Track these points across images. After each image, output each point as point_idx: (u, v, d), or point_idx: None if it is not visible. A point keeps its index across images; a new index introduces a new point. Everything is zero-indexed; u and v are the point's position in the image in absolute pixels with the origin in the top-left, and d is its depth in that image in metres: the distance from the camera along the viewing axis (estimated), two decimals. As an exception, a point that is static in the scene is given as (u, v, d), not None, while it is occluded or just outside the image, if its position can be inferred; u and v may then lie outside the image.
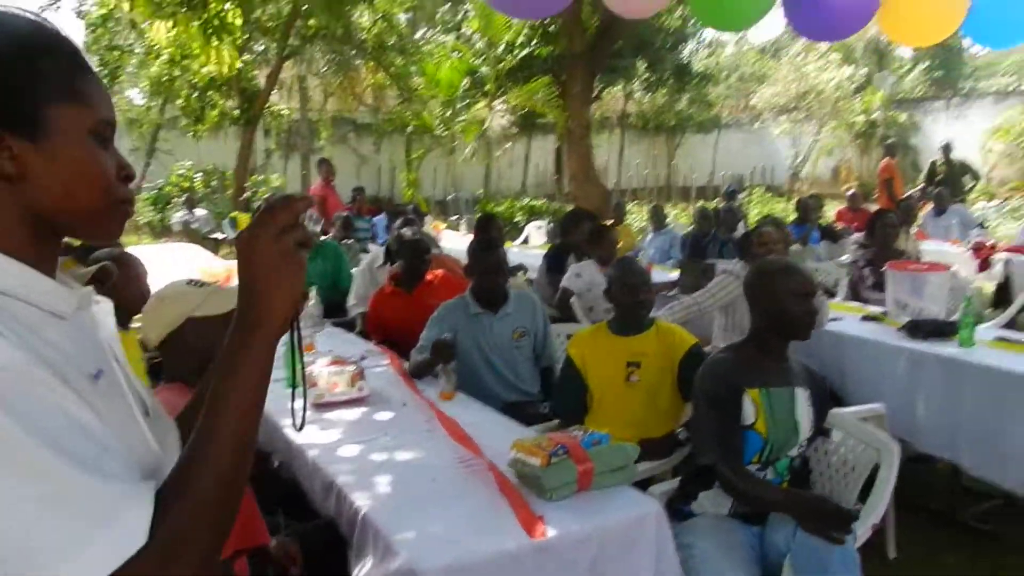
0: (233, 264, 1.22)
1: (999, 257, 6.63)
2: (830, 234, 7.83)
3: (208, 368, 1.05)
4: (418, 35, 17.56)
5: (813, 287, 2.46)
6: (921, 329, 3.67)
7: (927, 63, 22.70)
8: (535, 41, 13.50)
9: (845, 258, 7.12)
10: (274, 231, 0.85)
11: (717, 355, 2.53)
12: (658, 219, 7.55)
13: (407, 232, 4.31)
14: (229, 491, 0.83)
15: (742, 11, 3.38)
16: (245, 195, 13.61)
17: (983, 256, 6.70)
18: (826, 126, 21.21)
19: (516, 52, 13.96)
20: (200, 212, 11.65)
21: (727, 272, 4.02)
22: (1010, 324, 4.74)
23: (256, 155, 16.06)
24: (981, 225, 8.16)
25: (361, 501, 2.08)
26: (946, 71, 22.68)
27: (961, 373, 3.42)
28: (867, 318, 4.11)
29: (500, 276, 3.40)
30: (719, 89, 22.76)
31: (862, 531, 2.32)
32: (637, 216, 12.70)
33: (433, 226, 9.31)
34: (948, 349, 3.53)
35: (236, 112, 13.94)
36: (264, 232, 0.85)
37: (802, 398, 2.42)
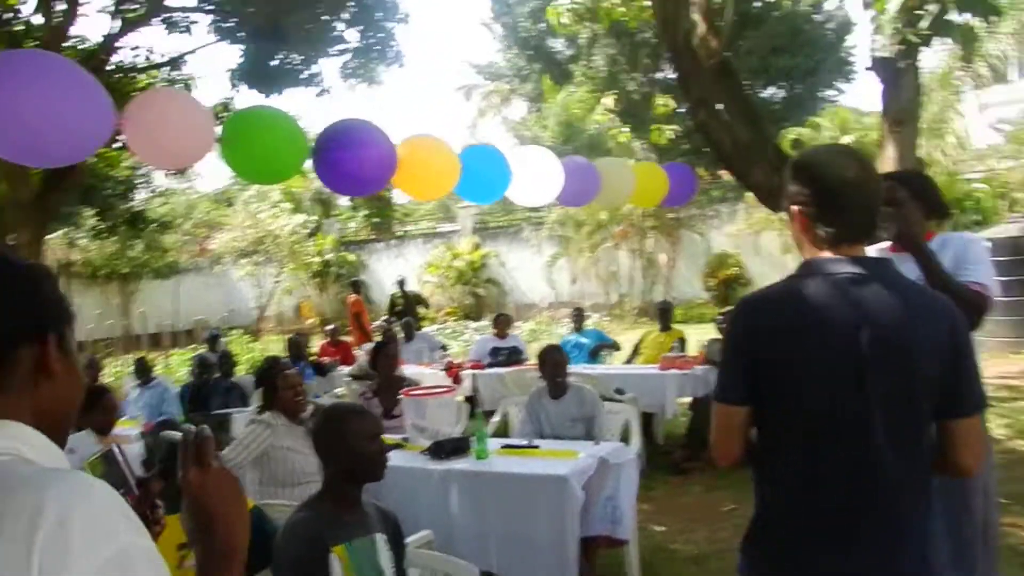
0: None
1: (466, 373, 7.61)
2: (320, 369, 8.10)
3: None
4: None
5: (381, 427, 2.50)
6: (443, 449, 3.97)
7: (365, 211, 25.48)
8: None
9: (339, 391, 7.41)
10: (216, 464, 0.98)
11: (295, 516, 2.38)
12: (143, 372, 6.90)
13: None
14: None
15: (277, 169, 3.42)
16: None
17: (454, 373, 7.59)
18: (285, 267, 22.14)
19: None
20: None
21: (256, 421, 3.83)
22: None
23: None
24: (443, 347, 9.26)
25: None
26: (381, 217, 25.71)
27: (483, 484, 3.77)
28: (390, 447, 4.28)
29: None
30: (175, 235, 22.23)
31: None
32: (108, 370, 11.46)
33: None
34: (467, 464, 3.88)
35: None
36: (211, 467, 0.99)
37: (381, 543, 2.39)
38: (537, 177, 4.55)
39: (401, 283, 12.28)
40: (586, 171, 4.96)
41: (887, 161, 5.39)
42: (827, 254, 1.76)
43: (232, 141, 3.37)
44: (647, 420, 6.78)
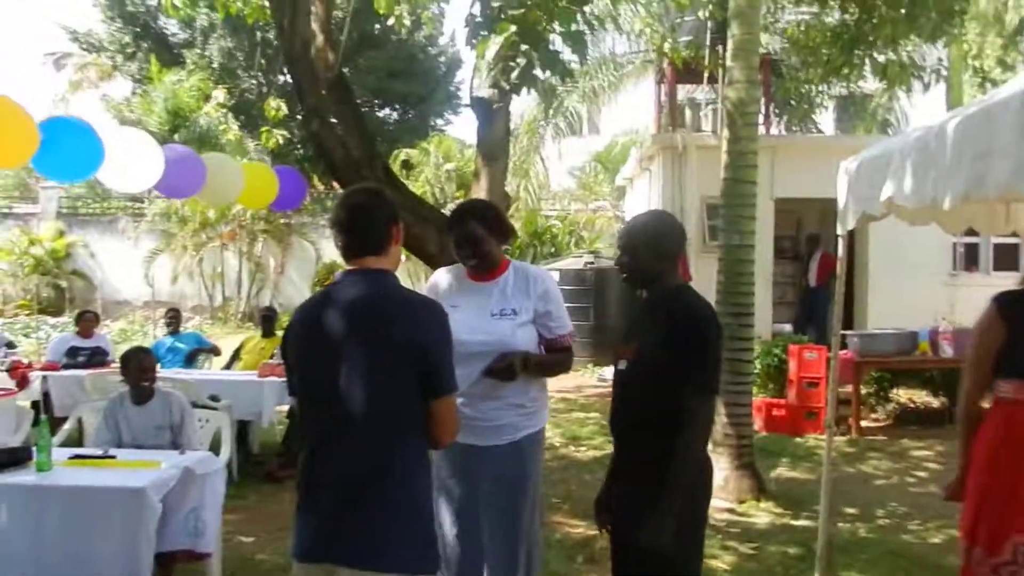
0: None
1: (36, 374, 6.71)
2: None
3: None
4: None
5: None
6: (-4, 461, 3.47)
7: None
8: None
9: None
10: None
11: None
12: None
13: None
14: None
15: None
16: None
17: (19, 375, 6.64)
18: None
19: None
20: None
21: None
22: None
23: None
24: (10, 345, 8.04)
25: None
26: (-66, 190, 21.53)
27: (44, 499, 3.39)
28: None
29: None
30: None
31: None
32: None
33: None
34: (26, 477, 3.44)
35: None
36: None
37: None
38: (133, 160, 4.17)
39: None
40: (190, 162, 4.68)
41: (480, 190, 5.97)
42: (346, 266, 2.23)
43: None
44: (243, 428, 6.60)
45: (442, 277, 3.11)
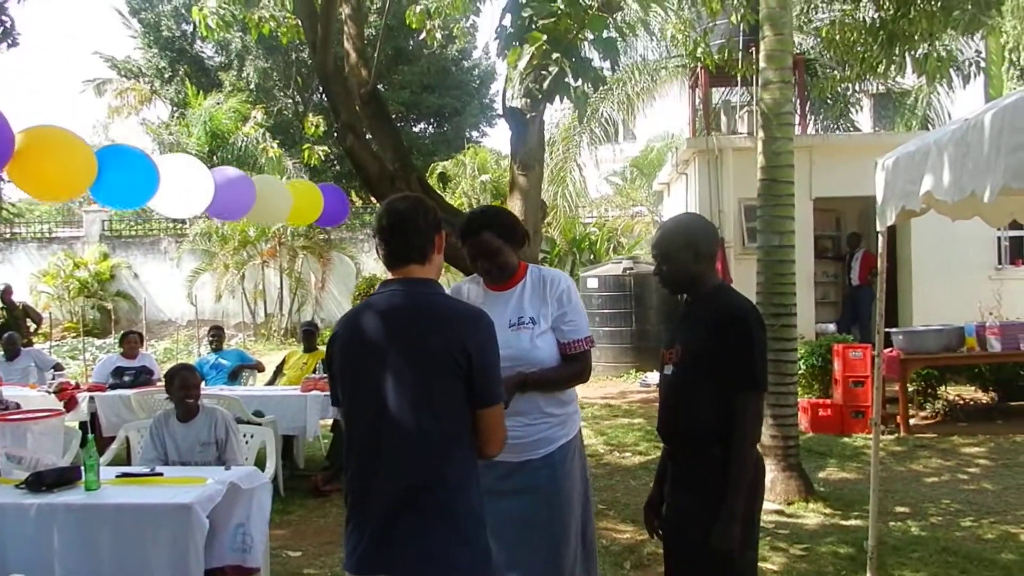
0: None
1: (83, 395, 6.84)
2: None
3: None
4: None
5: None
6: (44, 481, 3.52)
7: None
8: None
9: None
10: None
11: None
12: None
13: None
14: None
15: None
16: None
17: (67, 395, 6.77)
18: None
19: None
20: None
21: None
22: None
23: None
24: (57, 367, 8.21)
25: None
26: (-24, 217, 22.13)
27: (93, 517, 3.42)
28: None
29: None
30: None
31: None
32: None
33: None
34: (75, 496, 3.49)
35: None
36: None
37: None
38: (184, 186, 4.24)
39: (4, 292, 10.65)
40: (240, 184, 4.73)
41: (516, 200, 5.98)
42: (388, 275, 2.20)
43: None
44: (288, 442, 6.67)
45: (462, 288, 2.95)
